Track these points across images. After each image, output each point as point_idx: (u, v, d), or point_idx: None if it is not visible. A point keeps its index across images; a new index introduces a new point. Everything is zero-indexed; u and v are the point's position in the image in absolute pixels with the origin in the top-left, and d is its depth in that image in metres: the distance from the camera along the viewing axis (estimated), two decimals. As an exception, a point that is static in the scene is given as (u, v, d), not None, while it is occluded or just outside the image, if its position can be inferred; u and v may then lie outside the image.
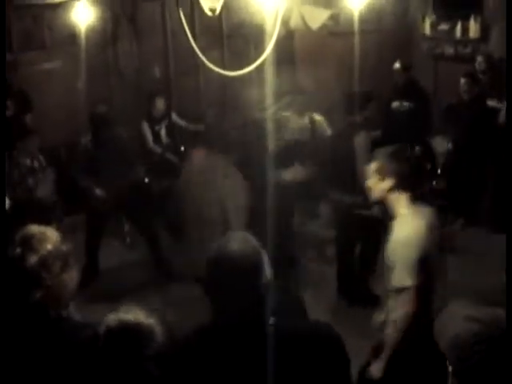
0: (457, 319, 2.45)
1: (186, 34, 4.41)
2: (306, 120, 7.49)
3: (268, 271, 2.23)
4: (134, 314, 1.93)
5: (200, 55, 4.57)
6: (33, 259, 2.36)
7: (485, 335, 2.36)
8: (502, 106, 7.34)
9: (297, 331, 2.30)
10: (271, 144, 6.41)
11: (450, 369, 2.45)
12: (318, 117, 7.59)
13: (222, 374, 2.17)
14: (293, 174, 6.50)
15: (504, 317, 2.41)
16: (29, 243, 2.39)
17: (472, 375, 2.41)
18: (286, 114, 7.45)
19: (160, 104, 8.24)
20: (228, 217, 6.12)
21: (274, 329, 2.20)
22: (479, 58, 8.15)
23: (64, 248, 2.53)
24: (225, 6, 5.57)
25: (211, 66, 4.32)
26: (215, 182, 6.16)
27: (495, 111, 7.50)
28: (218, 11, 4.80)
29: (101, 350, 1.87)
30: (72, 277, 2.56)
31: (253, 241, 2.28)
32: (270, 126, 7.09)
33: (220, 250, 2.23)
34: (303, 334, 2.30)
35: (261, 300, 2.19)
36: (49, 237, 2.47)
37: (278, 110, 7.56)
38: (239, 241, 2.25)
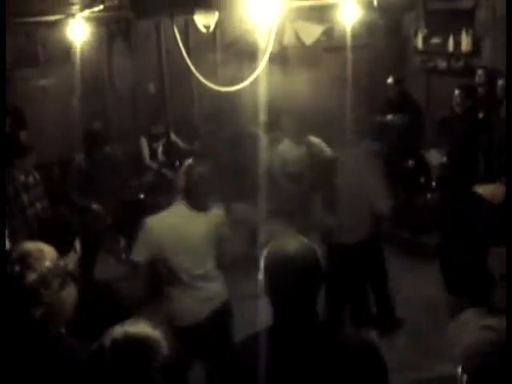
0: (472, 329, 2.45)
1: (181, 51, 4.49)
2: (303, 148, 7.54)
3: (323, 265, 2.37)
4: (140, 327, 1.91)
5: (194, 71, 4.64)
6: (31, 277, 2.34)
7: (500, 344, 2.35)
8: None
9: (344, 341, 2.39)
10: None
11: (465, 378, 2.44)
12: (315, 140, 7.65)
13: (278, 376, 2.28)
14: None
15: None
16: (26, 261, 2.37)
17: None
18: (282, 144, 7.56)
19: (160, 122, 8.26)
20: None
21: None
22: (479, 71, 8.20)
23: (62, 264, 2.53)
24: (219, 23, 5.66)
25: (205, 81, 4.39)
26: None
27: (488, 123, 7.57)
28: (212, 28, 4.89)
29: (107, 363, 1.85)
30: (70, 293, 2.55)
31: (304, 239, 2.41)
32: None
33: (278, 251, 2.37)
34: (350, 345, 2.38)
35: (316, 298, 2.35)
36: (46, 253, 2.45)
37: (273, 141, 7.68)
38: (294, 241, 2.40)
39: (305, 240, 2.40)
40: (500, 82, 7.59)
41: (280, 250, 2.37)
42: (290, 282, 2.31)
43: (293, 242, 2.39)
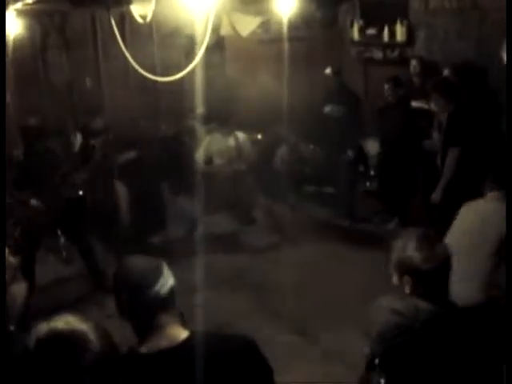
0: (383, 313, 2.67)
1: (118, 42, 4.63)
2: (231, 141, 7.81)
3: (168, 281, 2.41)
4: (65, 321, 1.79)
5: (131, 61, 4.78)
6: None
7: (404, 327, 2.59)
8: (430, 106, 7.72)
9: (214, 347, 2.38)
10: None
11: (377, 361, 2.67)
12: (241, 135, 7.90)
13: None
14: None
15: (425, 309, 2.61)
16: None
17: (396, 366, 2.65)
18: (210, 135, 7.79)
19: (98, 121, 8.30)
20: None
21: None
22: (413, 62, 8.55)
23: (12, 260, 2.56)
24: (156, 14, 5.80)
25: (143, 72, 4.54)
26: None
27: (422, 112, 7.88)
28: (149, 18, 5.04)
29: (33, 365, 1.72)
30: (21, 289, 2.57)
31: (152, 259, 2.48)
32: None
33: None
34: (222, 349, 2.38)
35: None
36: None
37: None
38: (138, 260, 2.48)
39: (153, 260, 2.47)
40: (445, 72, 7.90)
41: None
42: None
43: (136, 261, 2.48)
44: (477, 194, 4.48)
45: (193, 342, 2.35)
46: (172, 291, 2.39)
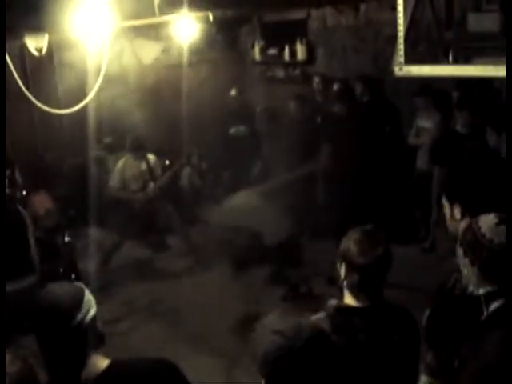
0: (266, 334, 2.68)
1: (14, 76, 4.65)
2: (143, 164, 7.88)
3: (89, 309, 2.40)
4: None
5: (29, 96, 4.81)
6: None
7: (285, 348, 2.56)
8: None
9: (136, 372, 2.42)
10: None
11: (263, 382, 2.64)
12: (152, 158, 7.98)
13: None
14: None
15: (309, 329, 2.62)
16: None
17: None
18: (123, 160, 7.83)
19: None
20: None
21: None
22: (316, 79, 8.85)
23: None
24: (53, 45, 5.81)
25: (41, 105, 4.58)
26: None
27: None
28: (44, 50, 5.08)
29: None
30: None
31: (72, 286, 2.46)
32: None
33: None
34: (143, 374, 2.42)
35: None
36: None
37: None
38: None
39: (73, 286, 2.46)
40: (334, 87, 8.24)
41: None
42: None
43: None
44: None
45: (115, 369, 2.38)
46: (94, 319, 2.39)
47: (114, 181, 7.93)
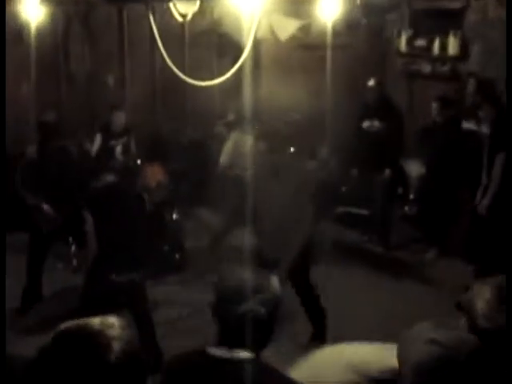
0: (419, 343, 2.46)
1: (156, 40, 4.29)
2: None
3: None
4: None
5: (169, 62, 4.44)
6: None
7: (446, 359, 2.38)
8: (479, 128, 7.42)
9: None
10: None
11: None
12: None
13: None
14: None
15: (472, 342, 2.44)
16: None
17: None
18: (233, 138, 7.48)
19: (120, 118, 7.89)
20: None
21: None
22: (471, 80, 8.22)
23: None
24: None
25: (184, 76, 4.20)
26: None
27: (471, 134, 7.54)
28: (189, 17, 4.71)
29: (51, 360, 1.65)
30: None
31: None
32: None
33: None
34: None
35: None
36: None
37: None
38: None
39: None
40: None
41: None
42: None
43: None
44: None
45: None
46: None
47: (223, 159, 7.59)
